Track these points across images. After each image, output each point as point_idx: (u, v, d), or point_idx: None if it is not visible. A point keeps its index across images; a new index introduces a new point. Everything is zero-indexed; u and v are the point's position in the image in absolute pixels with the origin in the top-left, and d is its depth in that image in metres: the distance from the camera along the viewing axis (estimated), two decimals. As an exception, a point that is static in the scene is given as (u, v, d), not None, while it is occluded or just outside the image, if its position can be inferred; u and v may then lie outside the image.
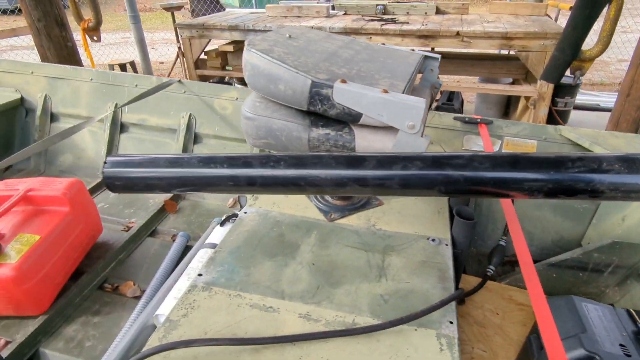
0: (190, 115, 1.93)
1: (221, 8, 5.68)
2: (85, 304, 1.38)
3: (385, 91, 0.86)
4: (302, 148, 0.99)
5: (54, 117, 2.13)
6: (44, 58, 3.76)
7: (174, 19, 5.73)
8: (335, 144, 0.96)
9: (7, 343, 1.21)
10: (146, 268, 1.53)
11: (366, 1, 4.44)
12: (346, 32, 3.63)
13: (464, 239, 1.23)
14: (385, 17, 4.06)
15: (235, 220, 1.30)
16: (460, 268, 1.20)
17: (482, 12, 4.34)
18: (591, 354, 0.76)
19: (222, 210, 1.89)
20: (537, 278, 0.87)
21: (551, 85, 3.28)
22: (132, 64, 5.47)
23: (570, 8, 3.91)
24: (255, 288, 0.98)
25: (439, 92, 3.87)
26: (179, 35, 4.23)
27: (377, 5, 4.25)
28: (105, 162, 0.73)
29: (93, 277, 1.45)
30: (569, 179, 0.58)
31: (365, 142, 0.94)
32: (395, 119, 0.87)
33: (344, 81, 0.89)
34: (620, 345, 0.80)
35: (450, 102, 3.93)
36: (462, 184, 0.62)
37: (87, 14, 3.69)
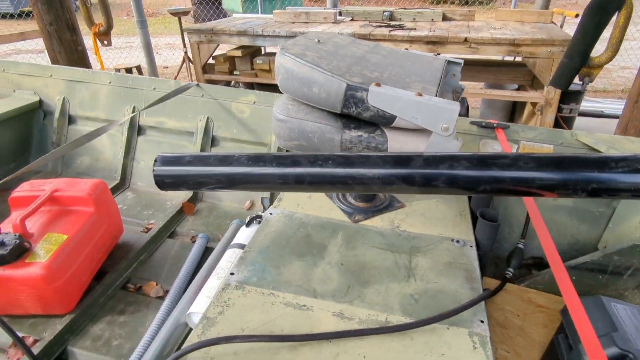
0: (207, 118, 1.96)
1: (225, 14, 5.73)
2: (109, 303, 1.40)
3: (420, 94, 0.89)
4: (334, 150, 1.01)
5: (71, 120, 2.15)
6: (55, 62, 3.80)
7: (181, 24, 5.78)
8: (368, 145, 0.98)
9: (35, 341, 1.22)
10: (168, 269, 1.55)
11: (373, 7, 4.49)
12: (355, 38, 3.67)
13: (488, 241, 1.25)
14: (393, 23, 4.10)
15: (259, 221, 1.32)
16: (483, 270, 1.22)
17: (488, 19, 4.39)
18: (624, 352, 0.78)
19: (239, 213, 1.91)
20: (568, 278, 0.89)
21: (558, 92, 3.32)
22: (138, 68, 5.51)
23: (576, 15, 3.96)
24: (287, 287, 0.99)
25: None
26: (188, 40, 4.26)
27: (384, 11, 4.30)
28: (155, 161, 0.75)
29: (116, 277, 1.47)
30: (613, 179, 0.60)
31: (398, 144, 0.96)
32: (429, 122, 0.89)
33: (378, 84, 0.91)
34: (651, 343, 0.81)
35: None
36: (507, 184, 0.64)
37: (98, 18, 3.73)
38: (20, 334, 1.24)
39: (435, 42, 3.44)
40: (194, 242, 1.71)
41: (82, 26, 3.80)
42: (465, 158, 0.65)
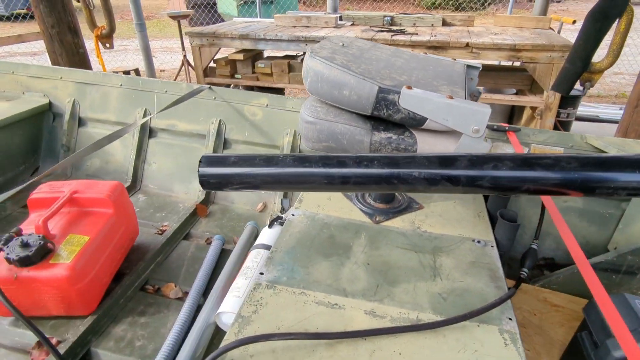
0: (220, 121, 1.97)
1: (220, 17, 5.75)
2: (129, 304, 1.40)
3: (450, 97, 0.91)
4: (364, 151, 1.03)
5: (81, 122, 2.15)
6: (56, 64, 3.78)
7: (180, 28, 5.79)
8: (397, 147, 1.00)
9: (58, 343, 1.22)
10: (185, 270, 1.55)
11: (373, 12, 4.54)
12: (357, 42, 3.70)
13: (507, 241, 1.28)
14: (394, 28, 4.15)
15: (280, 222, 1.34)
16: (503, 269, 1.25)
17: (487, 25, 4.45)
18: (653, 346, 0.80)
19: (252, 214, 1.92)
20: (595, 276, 0.91)
21: (558, 96, 3.38)
22: (137, 71, 5.50)
23: (574, 22, 4.04)
24: (317, 286, 1.01)
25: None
26: (189, 44, 4.27)
27: (385, 16, 4.35)
28: (200, 161, 0.77)
29: (135, 278, 1.47)
30: None
31: (427, 146, 0.98)
32: (460, 124, 0.91)
33: (409, 87, 0.93)
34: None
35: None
36: (550, 184, 0.66)
37: (99, 21, 3.72)
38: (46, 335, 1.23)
39: (437, 47, 3.49)
40: (208, 243, 1.72)
41: (84, 29, 3.79)
42: (508, 158, 0.67)
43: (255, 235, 1.68)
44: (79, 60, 3.83)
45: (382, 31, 3.99)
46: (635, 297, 0.97)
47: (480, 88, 4.24)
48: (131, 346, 1.25)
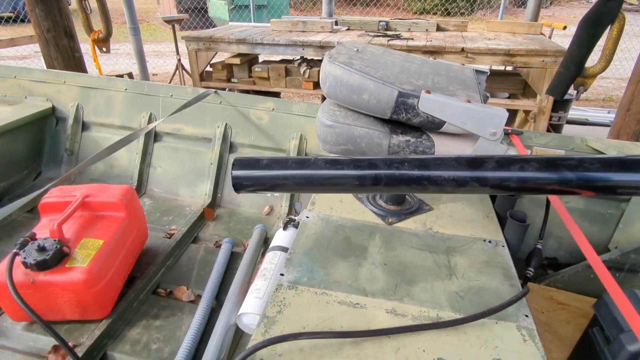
0: (226, 125, 1.98)
1: (211, 21, 5.76)
2: (142, 308, 1.40)
3: (468, 101, 0.94)
4: (382, 154, 1.05)
5: (85, 126, 2.14)
6: (51, 68, 3.75)
7: (175, 32, 5.78)
8: (415, 150, 1.03)
9: (74, 347, 1.22)
10: (196, 273, 1.56)
11: (369, 17, 4.59)
12: (354, 46, 3.74)
13: (517, 241, 1.32)
14: (389, 33, 4.20)
15: (293, 224, 1.35)
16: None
17: (480, 30, 4.54)
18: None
19: (259, 218, 1.93)
20: (608, 272, 0.95)
21: (551, 100, 3.46)
22: (130, 75, 5.47)
23: (564, 28, 4.14)
24: (337, 286, 1.03)
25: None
26: (186, 48, 4.27)
27: (380, 21, 4.40)
28: (234, 164, 0.78)
29: (147, 282, 1.47)
30: None
31: (445, 149, 1.01)
32: (478, 127, 0.94)
33: (428, 92, 0.96)
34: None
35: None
36: (574, 184, 0.69)
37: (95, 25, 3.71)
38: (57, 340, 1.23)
39: (433, 52, 3.54)
40: (217, 247, 1.73)
41: (79, 32, 3.77)
42: (534, 160, 0.70)
43: (264, 238, 1.70)
44: (75, 64, 3.80)
45: (378, 36, 4.04)
46: (646, 293, 1.01)
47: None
48: (147, 349, 1.25)
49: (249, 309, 1.07)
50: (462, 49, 3.48)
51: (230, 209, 1.98)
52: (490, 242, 1.23)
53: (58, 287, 1.19)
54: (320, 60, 4.26)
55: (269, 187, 0.79)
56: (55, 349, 1.23)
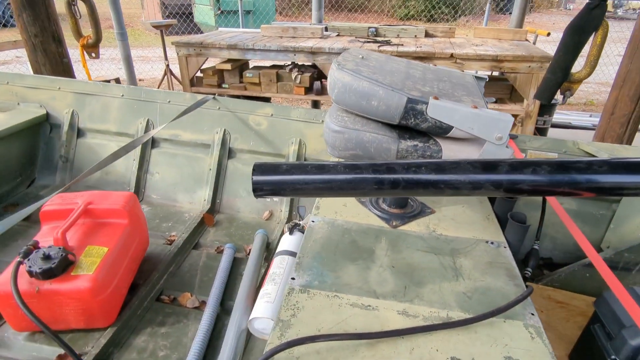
0: (225, 130, 1.98)
1: (196, 27, 5.75)
2: (147, 315, 1.39)
3: (475, 107, 0.98)
4: (391, 158, 1.08)
5: (80, 133, 2.12)
6: (38, 74, 3.69)
7: (163, 37, 5.75)
8: (423, 154, 1.06)
9: (80, 356, 1.20)
10: (199, 279, 1.55)
11: (358, 24, 4.65)
12: (345, 52, 3.79)
13: (518, 242, 1.35)
14: (379, 39, 4.26)
15: (299, 229, 1.37)
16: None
17: (467, 36, 4.63)
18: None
19: (258, 223, 1.94)
20: (609, 269, 0.99)
21: (538, 104, 3.55)
22: (117, 80, 5.42)
23: (548, 34, 4.27)
24: (348, 289, 1.04)
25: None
26: (176, 53, 4.25)
27: (369, 27, 4.46)
28: (254, 169, 0.80)
29: (150, 289, 1.46)
30: None
31: (452, 153, 1.04)
32: (484, 132, 0.98)
33: (436, 98, 0.99)
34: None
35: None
36: (583, 186, 0.73)
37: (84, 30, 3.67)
38: (62, 350, 1.21)
39: (423, 58, 3.60)
40: (219, 252, 1.72)
41: (67, 37, 3.73)
42: (545, 163, 0.73)
43: (266, 242, 1.70)
44: (63, 69, 3.75)
45: (368, 42, 4.09)
46: (644, 290, 1.05)
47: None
48: (154, 356, 1.24)
49: (261, 314, 1.08)
50: (451, 55, 3.55)
51: (229, 214, 1.98)
52: (492, 243, 1.26)
53: (64, 295, 1.17)
54: (312, 66, 4.29)
55: (289, 192, 0.80)
56: (60, 358, 1.21)
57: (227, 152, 2.01)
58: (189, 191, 2.04)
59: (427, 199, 1.45)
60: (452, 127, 1.00)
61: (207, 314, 1.33)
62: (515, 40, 4.21)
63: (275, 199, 2.02)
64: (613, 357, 1.01)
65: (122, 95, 2.06)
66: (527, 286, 1.12)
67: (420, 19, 13.72)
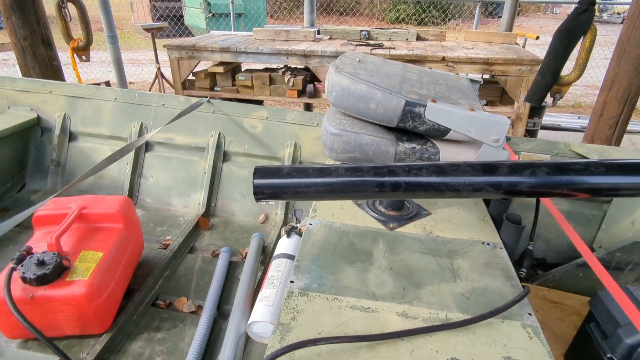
0: (219, 134, 1.98)
1: (187, 30, 5.73)
2: (143, 320, 1.38)
3: (472, 109, 0.99)
4: (389, 161, 1.08)
5: (72, 137, 2.09)
6: (27, 77, 3.64)
7: (154, 40, 5.72)
8: (421, 156, 1.06)
9: (75, 363, 1.19)
10: (195, 283, 1.54)
11: (350, 27, 4.67)
12: (337, 55, 3.80)
13: (513, 243, 1.37)
14: (371, 42, 4.29)
15: (296, 232, 1.37)
16: None
17: (458, 39, 4.68)
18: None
19: (254, 226, 1.93)
20: (604, 269, 1.00)
21: (528, 107, 3.60)
22: (107, 83, 5.38)
23: (537, 38, 4.33)
24: (347, 291, 1.05)
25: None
26: (168, 56, 4.23)
27: (362, 31, 4.48)
28: (255, 173, 0.79)
29: (145, 294, 1.45)
30: None
31: (449, 155, 1.05)
32: (481, 134, 0.99)
33: (434, 101, 1.00)
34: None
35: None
36: (581, 187, 0.74)
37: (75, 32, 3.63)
38: (57, 357, 1.20)
39: (415, 61, 3.63)
40: (214, 256, 1.71)
41: (58, 40, 3.68)
42: (544, 165, 0.74)
43: (262, 246, 1.70)
44: (53, 73, 3.70)
45: (360, 45, 4.12)
46: (638, 289, 1.07)
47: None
48: (151, 362, 1.23)
49: (260, 317, 1.07)
50: (443, 58, 3.58)
51: (225, 218, 1.97)
52: (488, 244, 1.27)
53: (58, 301, 1.16)
54: (304, 69, 4.30)
55: (290, 195, 0.80)
56: (55, 366, 1.19)
57: (222, 155, 2.00)
58: (183, 195, 2.02)
59: (423, 200, 1.46)
60: (450, 129, 1.01)
61: (204, 318, 1.32)
62: (505, 43, 4.27)
63: (271, 202, 2.02)
64: (609, 355, 1.03)
65: (115, 99, 2.04)
66: (523, 287, 1.13)
67: (410, 23, 13.84)
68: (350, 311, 0.99)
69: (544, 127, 4.90)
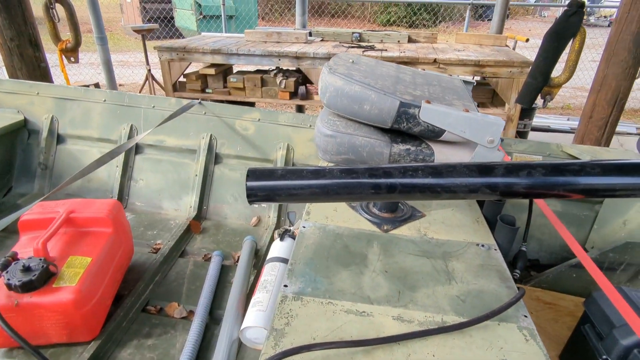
0: (211, 136, 1.95)
1: (178, 31, 5.70)
2: (133, 327, 1.34)
3: (467, 110, 0.98)
4: (383, 162, 1.07)
5: (60, 139, 2.05)
6: (14, 78, 3.58)
7: (144, 42, 5.66)
8: (416, 158, 1.05)
9: (63, 372, 1.15)
10: (187, 288, 1.52)
11: (342, 29, 4.67)
12: (329, 57, 3.80)
13: (507, 244, 1.36)
14: (363, 44, 4.29)
15: (290, 235, 1.35)
16: None
17: (449, 42, 4.70)
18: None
19: (247, 229, 1.91)
20: (599, 269, 1.00)
21: (519, 108, 3.62)
22: (97, 85, 5.31)
23: (527, 40, 4.36)
24: (342, 295, 1.03)
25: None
26: (158, 58, 4.19)
27: (353, 33, 4.49)
28: (248, 175, 0.78)
29: (135, 299, 1.42)
30: None
31: (444, 156, 1.04)
32: (476, 135, 0.98)
33: (429, 102, 0.99)
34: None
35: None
36: (578, 189, 0.73)
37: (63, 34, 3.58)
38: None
39: (407, 63, 3.64)
40: (206, 260, 1.69)
41: (46, 41, 3.63)
42: (540, 165, 0.74)
43: (255, 249, 1.68)
44: (40, 74, 3.64)
45: (352, 47, 4.11)
46: (632, 290, 1.07)
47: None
48: (141, 370, 1.20)
49: (253, 323, 1.05)
50: (435, 60, 3.59)
51: (216, 221, 1.94)
52: (483, 246, 1.26)
53: (45, 308, 1.12)
54: (296, 71, 4.28)
55: (284, 198, 0.78)
56: (41, 375, 1.16)
57: (213, 158, 1.97)
58: (174, 198, 1.99)
59: (416, 202, 1.45)
60: (445, 130, 1.00)
61: (196, 323, 1.30)
62: (495, 45, 4.30)
63: (264, 204, 1.99)
64: (604, 357, 1.02)
65: (105, 101, 2.00)
66: (518, 288, 1.12)
67: (401, 25, 13.91)
68: (345, 315, 0.97)
69: (534, 129, 4.94)
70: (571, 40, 2.72)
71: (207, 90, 4.33)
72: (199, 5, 9.77)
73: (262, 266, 1.27)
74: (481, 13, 13.80)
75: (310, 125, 1.91)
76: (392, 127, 1.04)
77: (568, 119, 5.54)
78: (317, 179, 0.77)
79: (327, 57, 3.79)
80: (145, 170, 2.01)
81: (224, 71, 4.39)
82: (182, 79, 4.38)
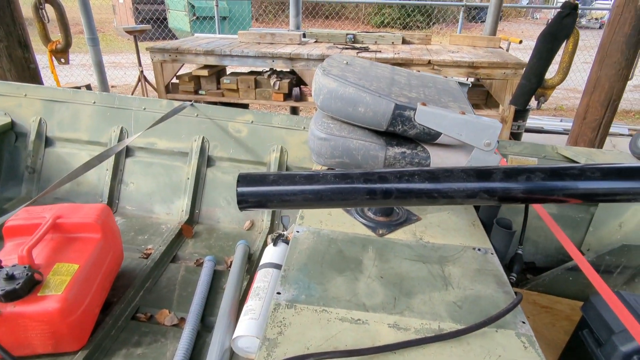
0: (203, 138, 1.92)
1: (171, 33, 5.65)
2: (122, 335, 1.31)
3: (463, 113, 0.96)
4: (378, 166, 1.05)
5: (49, 142, 2.01)
6: (2, 80, 3.52)
7: (137, 43, 5.61)
8: (411, 161, 1.03)
9: (48, 383, 1.12)
10: (178, 294, 1.48)
11: (336, 30, 4.65)
12: (323, 58, 3.78)
13: (504, 248, 1.34)
14: (357, 45, 4.27)
15: (283, 240, 1.32)
16: None
17: (443, 43, 4.70)
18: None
19: (239, 233, 1.88)
20: (596, 274, 0.98)
21: (513, 110, 3.62)
22: (88, 87, 5.25)
23: (520, 42, 4.37)
24: (336, 302, 1.00)
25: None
26: (150, 59, 4.14)
27: (347, 34, 4.47)
28: (238, 180, 0.75)
29: (125, 307, 1.38)
30: None
31: (439, 160, 1.02)
32: (473, 138, 0.96)
33: (424, 104, 0.97)
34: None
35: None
36: (578, 194, 0.71)
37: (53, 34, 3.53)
38: (28, 377, 1.13)
39: (401, 64, 3.63)
40: (198, 265, 1.65)
41: (36, 42, 3.57)
42: (539, 170, 0.72)
43: (248, 254, 1.65)
44: (30, 75, 3.58)
45: (346, 48, 4.10)
46: (630, 294, 1.05)
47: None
48: (131, 380, 1.17)
49: (245, 331, 1.02)
50: (429, 62, 3.58)
51: (209, 225, 1.91)
52: (479, 250, 1.24)
53: (29, 318, 1.09)
54: (290, 72, 4.26)
55: (276, 204, 0.76)
56: (26, 386, 1.12)
57: (205, 161, 1.94)
58: (166, 201, 1.96)
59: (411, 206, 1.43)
60: (441, 133, 0.98)
61: (187, 331, 1.27)
62: (489, 47, 4.30)
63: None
64: (603, 363, 1.01)
65: (94, 103, 1.96)
66: (515, 293, 1.10)
67: (395, 27, 13.93)
68: (340, 323, 0.95)
69: (528, 130, 4.95)
70: (565, 41, 2.73)
71: (200, 92, 4.29)
72: (192, 7, 9.72)
73: (255, 272, 1.24)
74: (474, 15, 13.87)
75: (305, 128, 1.88)
76: (387, 129, 1.02)
77: (561, 120, 5.57)
78: (311, 185, 0.74)
79: (321, 59, 3.77)
80: (136, 173, 1.97)
81: (217, 72, 4.35)
82: (175, 80, 4.34)
